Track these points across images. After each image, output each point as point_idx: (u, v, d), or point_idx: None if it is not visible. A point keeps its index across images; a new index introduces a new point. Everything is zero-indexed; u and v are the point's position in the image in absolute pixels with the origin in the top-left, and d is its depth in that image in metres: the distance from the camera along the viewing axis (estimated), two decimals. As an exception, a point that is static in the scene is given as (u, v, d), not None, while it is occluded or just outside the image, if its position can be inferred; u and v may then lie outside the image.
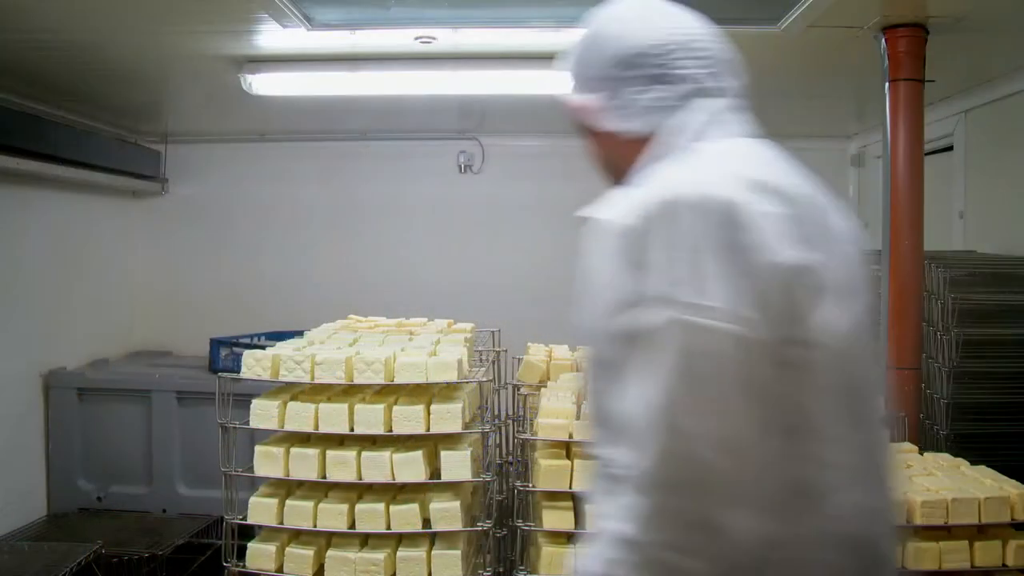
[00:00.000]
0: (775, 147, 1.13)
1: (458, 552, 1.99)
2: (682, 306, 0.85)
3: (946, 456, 2.24)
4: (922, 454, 2.28)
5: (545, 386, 2.36)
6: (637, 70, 1.11)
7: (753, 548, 0.86)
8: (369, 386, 2.13)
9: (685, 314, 0.85)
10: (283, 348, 2.15)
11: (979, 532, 1.94)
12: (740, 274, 0.85)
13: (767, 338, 0.85)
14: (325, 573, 2.00)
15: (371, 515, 1.99)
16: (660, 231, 0.89)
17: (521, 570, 1.95)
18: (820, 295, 0.89)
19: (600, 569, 0.90)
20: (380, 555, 1.97)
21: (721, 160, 1.01)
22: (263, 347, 2.35)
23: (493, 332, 2.83)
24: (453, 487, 2.06)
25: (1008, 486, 1.97)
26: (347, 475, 2.02)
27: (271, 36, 2.98)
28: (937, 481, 2.00)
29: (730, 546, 0.85)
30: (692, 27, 1.15)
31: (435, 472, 2.05)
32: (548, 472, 1.92)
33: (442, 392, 2.14)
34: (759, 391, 0.85)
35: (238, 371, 2.11)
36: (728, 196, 0.90)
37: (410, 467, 2.00)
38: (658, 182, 0.95)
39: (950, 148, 3.92)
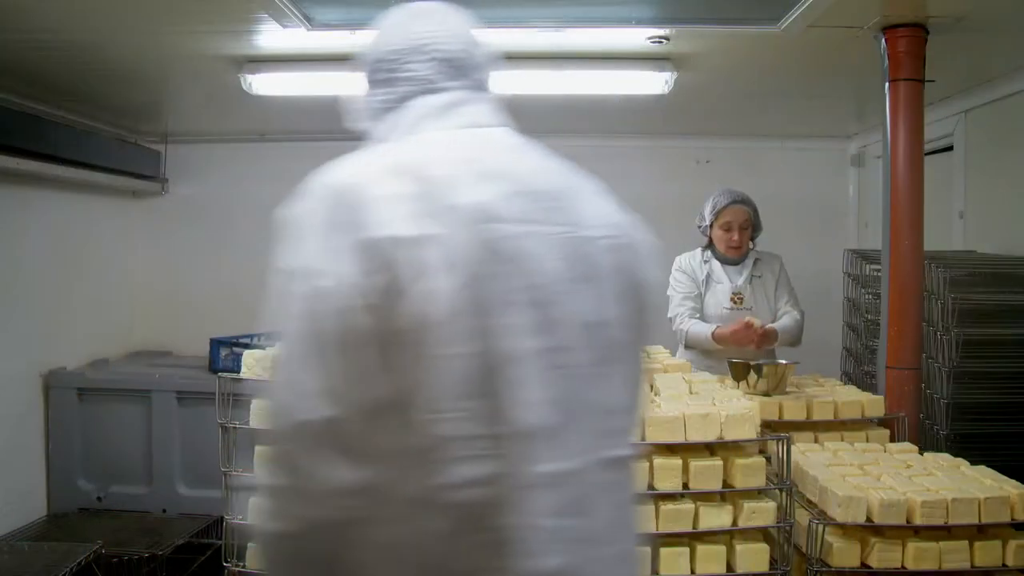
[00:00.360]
0: (503, 132, 1.23)
1: (458, 552, 1.99)
2: (296, 274, 0.99)
3: (946, 456, 2.24)
4: (922, 454, 2.28)
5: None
6: (375, 75, 1.23)
7: (348, 499, 0.95)
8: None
9: (297, 281, 0.99)
10: (283, 348, 2.15)
11: (979, 532, 1.94)
12: (348, 247, 0.95)
13: (369, 304, 0.93)
14: (325, 573, 2.00)
15: (371, 515, 1.99)
16: (297, 213, 1.04)
17: (521, 570, 1.95)
18: (434, 270, 0.94)
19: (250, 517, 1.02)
20: (380, 555, 1.97)
21: (391, 151, 1.10)
22: (263, 347, 2.35)
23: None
24: (453, 487, 2.06)
25: (1008, 486, 1.97)
26: (347, 475, 2.02)
27: (271, 36, 2.98)
28: (937, 481, 2.00)
29: (327, 495, 0.94)
30: (436, 30, 1.23)
31: (435, 472, 2.05)
32: (548, 472, 1.92)
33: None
34: (359, 352, 0.93)
35: (238, 371, 2.11)
36: (354, 181, 1.01)
37: (410, 467, 2.00)
38: (319, 174, 1.07)
39: (950, 148, 3.92)
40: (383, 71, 1.22)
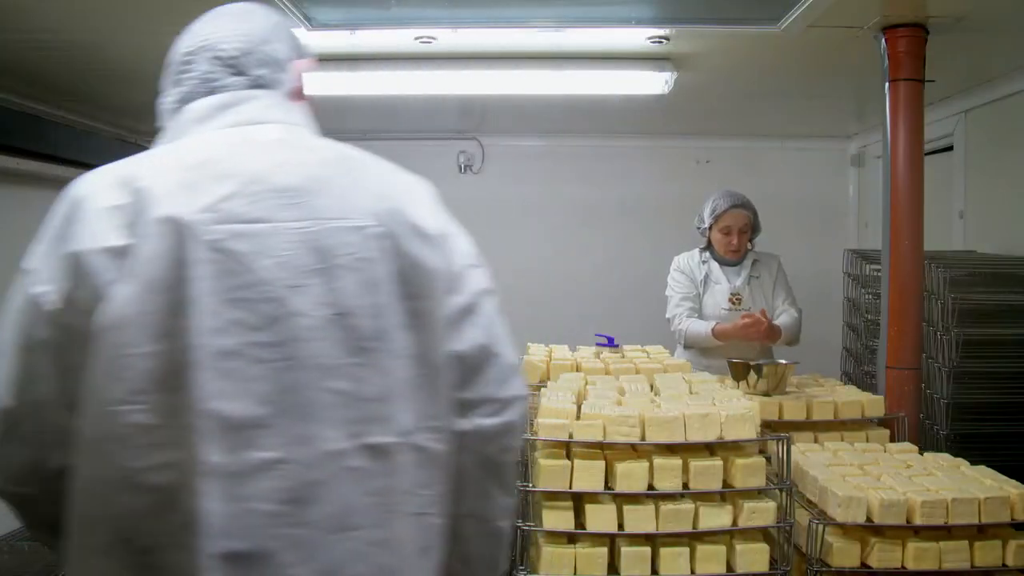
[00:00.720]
0: (268, 129, 1.27)
1: (458, 552, 1.99)
2: (22, 273, 1.09)
3: (946, 456, 2.24)
4: (922, 454, 2.28)
5: (545, 386, 2.36)
6: (168, 77, 1.30)
7: (41, 476, 1.11)
8: (369, 386, 2.13)
9: (22, 279, 1.09)
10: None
11: (979, 532, 1.94)
12: (56, 254, 1.06)
13: (57, 307, 1.05)
14: (325, 573, 2.00)
15: (371, 515, 1.99)
16: (48, 216, 1.13)
17: (521, 570, 1.95)
18: (129, 278, 1.04)
19: None
20: (380, 555, 1.97)
21: (134, 160, 1.15)
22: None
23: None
24: (453, 487, 2.06)
25: (1008, 486, 1.97)
26: (347, 475, 2.02)
27: (271, 36, 2.98)
28: (937, 481, 2.00)
29: (17, 473, 1.12)
30: (219, 31, 1.30)
31: (435, 472, 2.05)
32: (548, 472, 1.92)
33: (442, 392, 2.14)
34: (43, 347, 1.06)
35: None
36: (83, 193, 1.10)
37: (410, 467, 2.00)
38: (78, 179, 1.15)
39: (950, 148, 3.92)
40: (173, 73, 1.29)
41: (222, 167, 1.12)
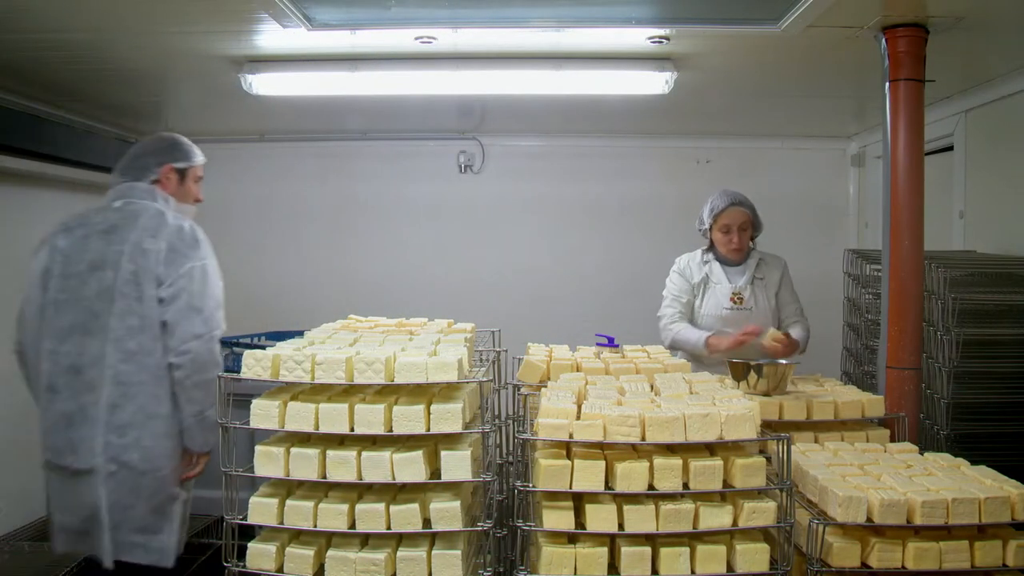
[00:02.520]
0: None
1: (458, 552, 1.99)
2: None
3: (946, 456, 2.24)
4: (922, 454, 2.28)
5: (545, 386, 2.36)
6: None
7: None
8: (369, 386, 2.13)
9: None
10: (283, 348, 2.15)
11: (979, 532, 1.94)
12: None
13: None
14: (325, 573, 1.99)
15: (371, 515, 1.99)
16: None
17: (521, 570, 1.95)
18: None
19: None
20: (380, 555, 1.97)
21: None
22: (263, 347, 2.35)
23: (493, 332, 2.83)
24: (453, 487, 2.06)
25: (1008, 486, 1.97)
26: (347, 475, 2.01)
27: (271, 36, 2.98)
28: (937, 481, 2.00)
29: None
30: None
31: (435, 472, 2.05)
32: (548, 472, 1.92)
33: (442, 392, 2.14)
34: None
35: (238, 371, 2.11)
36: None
37: (410, 467, 1.99)
38: None
39: (950, 148, 3.92)
40: None
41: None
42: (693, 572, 1.91)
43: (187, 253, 2.52)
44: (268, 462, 2.04)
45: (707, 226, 3.44)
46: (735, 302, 3.37)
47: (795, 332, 3.29)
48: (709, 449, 2.01)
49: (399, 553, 1.99)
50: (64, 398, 2.47)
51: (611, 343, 3.03)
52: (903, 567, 1.91)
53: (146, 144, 2.71)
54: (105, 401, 2.40)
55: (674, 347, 3.38)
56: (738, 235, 3.37)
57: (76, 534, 2.50)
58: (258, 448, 2.06)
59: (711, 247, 3.49)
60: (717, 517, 1.91)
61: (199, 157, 2.77)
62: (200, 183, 2.79)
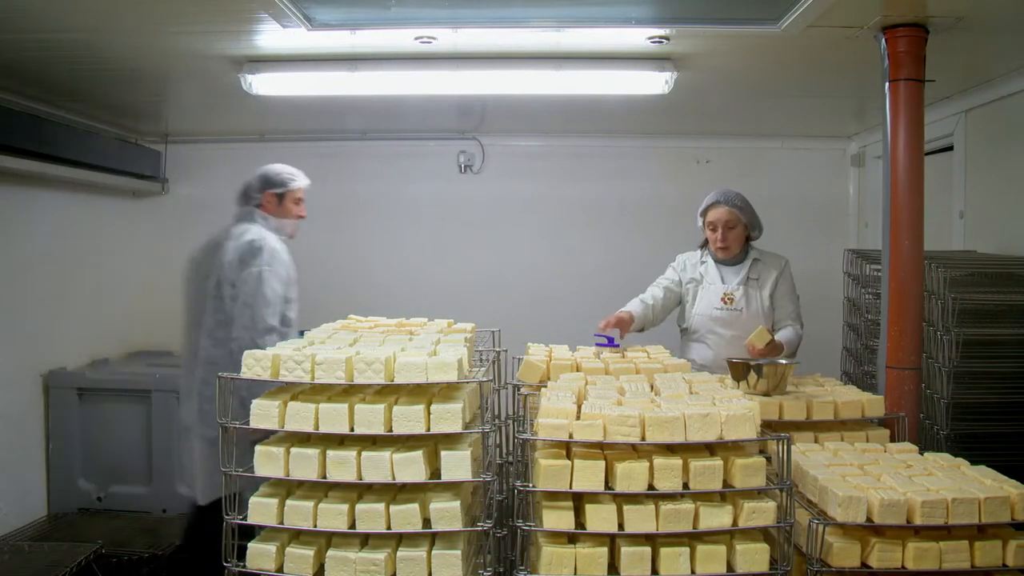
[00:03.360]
0: None
1: (458, 552, 1.99)
2: None
3: (946, 456, 2.24)
4: (922, 454, 2.28)
5: (545, 386, 2.36)
6: None
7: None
8: (369, 386, 2.13)
9: None
10: (283, 348, 2.15)
11: (979, 532, 1.94)
12: None
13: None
14: (325, 573, 1.99)
15: (371, 515, 1.99)
16: None
17: (521, 570, 1.95)
18: None
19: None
20: (380, 555, 1.97)
21: None
22: (263, 347, 2.35)
23: (493, 332, 2.83)
24: (453, 487, 2.06)
25: (1008, 486, 1.97)
26: (347, 475, 2.02)
27: (271, 36, 2.98)
28: (937, 481, 2.00)
29: None
30: None
31: (435, 472, 2.05)
32: (548, 472, 1.92)
33: (442, 392, 2.14)
34: None
35: (238, 371, 2.11)
36: None
37: (410, 467, 2.00)
38: None
39: (950, 148, 3.92)
40: None
41: None
42: (693, 572, 1.91)
43: (248, 261, 3.06)
44: (268, 462, 2.04)
45: (700, 224, 3.45)
46: (725, 303, 3.36)
47: (783, 334, 3.27)
48: (709, 449, 2.01)
49: (399, 553, 1.99)
50: (183, 375, 3.22)
51: (611, 343, 3.03)
52: (903, 567, 1.91)
53: (255, 174, 3.33)
54: (199, 377, 3.06)
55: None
56: (723, 233, 3.35)
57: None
58: (258, 448, 2.06)
59: (705, 244, 3.50)
60: (717, 517, 1.91)
61: (296, 182, 3.31)
62: (301, 203, 3.35)
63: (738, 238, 3.38)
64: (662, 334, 3.55)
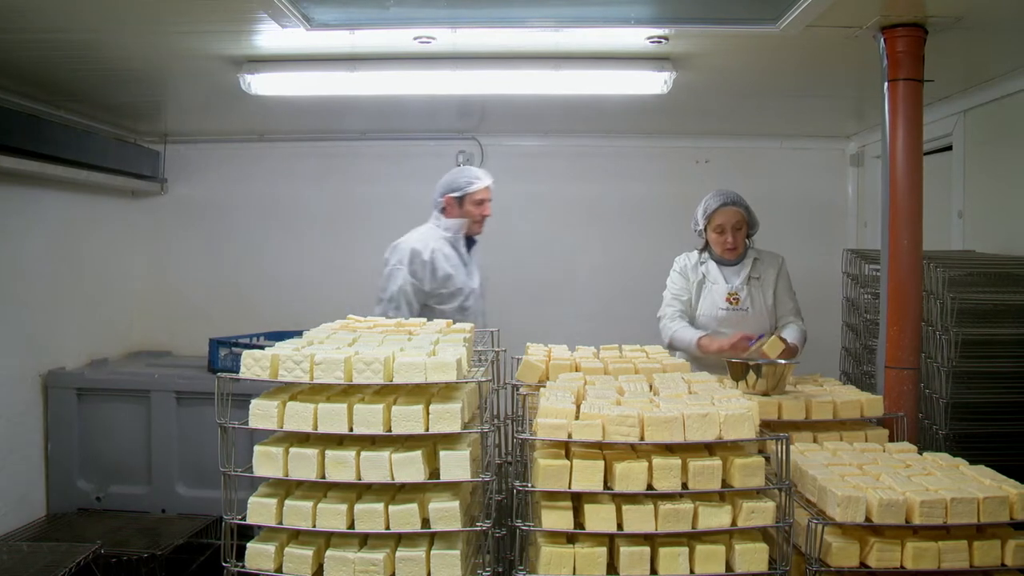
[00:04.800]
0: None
1: (457, 552, 1.99)
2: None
3: (945, 456, 2.24)
4: (921, 454, 2.28)
5: (544, 386, 2.36)
6: None
7: None
8: (368, 386, 2.13)
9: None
10: (282, 348, 2.15)
11: (978, 532, 1.94)
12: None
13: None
14: (324, 573, 1.99)
15: (370, 515, 1.99)
16: None
17: (520, 570, 1.95)
18: None
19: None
20: (379, 555, 1.97)
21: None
22: (262, 347, 2.35)
23: (492, 332, 2.83)
24: (452, 487, 2.06)
25: (1007, 486, 1.97)
26: (346, 475, 2.02)
27: (270, 36, 2.98)
28: (936, 481, 2.00)
29: None
30: None
31: (434, 472, 2.05)
32: (547, 472, 1.92)
33: (441, 392, 2.14)
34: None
35: (237, 371, 2.11)
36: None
37: (409, 467, 2.00)
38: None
39: (949, 148, 3.92)
40: None
41: None
42: (692, 572, 1.91)
43: (388, 260, 3.56)
44: (267, 462, 2.04)
45: (702, 227, 3.44)
46: (731, 302, 3.37)
47: (791, 334, 3.27)
48: (708, 449, 2.01)
49: (398, 553, 1.99)
50: None
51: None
52: (902, 567, 1.91)
53: (440, 180, 3.66)
54: None
55: (672, 347, 3.39)
56: (732, 235, 3.36)
57: None
58: (257, 448, 2.06)
59: (707, 247, 3.49)
60: (716, 517, 1.91)
61: (476, 184, 3.58)
62: (484, 203, 3.61)
63: (743, 238, 3.40)
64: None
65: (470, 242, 3.71)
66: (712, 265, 3.45)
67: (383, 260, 3.57)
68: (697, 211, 3.46)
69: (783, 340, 2.85)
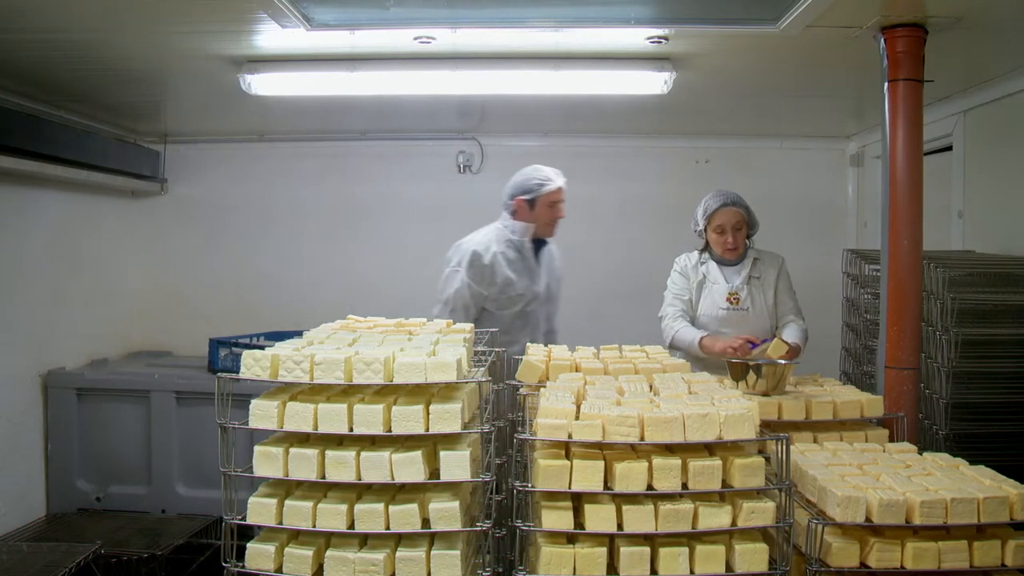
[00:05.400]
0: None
1: (457, 552, 1.98)
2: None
3: (945, 456, 2.24)
4: (921, 454, 2.28)
5: (544, 386, 2.36)
6: None
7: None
8: (368, 386, 2.13)
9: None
10: (282, 348, 2.15)
11: (978, 532, 1.94)
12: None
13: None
14: (324, 573, 1.99)
15: (370, 515, 1.99)
16: None
17: (520, 570, 1.95)
18: None
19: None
20: (379, 555, 1.97)
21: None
22: (262, 347, 2.35)
23: (492, 332, 2.83)
24: (452, 487, 2.05)
25: (1007, 486, 1.97)
26: (346, 475, 2.01)
27: (270, 36, 2.98)
28: (936, 481, 2.00)
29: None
30: None
31: (434, 472, 2.04)
32: (547, 472, 1.92)
33: (441, 392, 2.14)
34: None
35: (237, 371, 2.11)
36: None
37: (409, 467, 1.99)
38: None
39: (949, 148, 3.92)
40: None
41: None
42: (692, 572, 1.91)
43: (449, 260, 3.51)
44: (267, 462, 2.04)
45: (702, 227, 3.44)
46: (732, 302, 3.37)
47: (791, 333, 3.27)
48: (708, 449, 2.01)
49: (398, 553, 1.99)
50: None
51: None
52: (902, 567, 1.91)
53: (511, 180, 3.55)
54: None
55: (674, 347, 3.39)
56: (732, 235, 3.36)
57: None
58: (257, 448, 2.06)
59: (707, 247, 3.49)
60: (716, 517, 1.91)
61: (548, 186, 3.47)
62: (557, 205, 3.48)
63: (743, 238, 3.40)
64: (661, 334, 3.55)
65: (540, 243, 3.56)
66: (712, 265, 3.45)
67: (445, 259, 3.52)
68: (697, 211, 3.46)
69: (786, 343, 2.85)
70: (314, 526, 2.00)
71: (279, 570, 2.01)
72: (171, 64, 3.44)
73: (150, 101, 4.26)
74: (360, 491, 2.08)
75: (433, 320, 3.19)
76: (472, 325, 2.76)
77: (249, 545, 2.03)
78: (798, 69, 3.43)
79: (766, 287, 3.41)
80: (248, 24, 2.85)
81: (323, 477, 2.03)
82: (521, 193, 3.46)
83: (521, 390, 2.46)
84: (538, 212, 3.45)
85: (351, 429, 2.03)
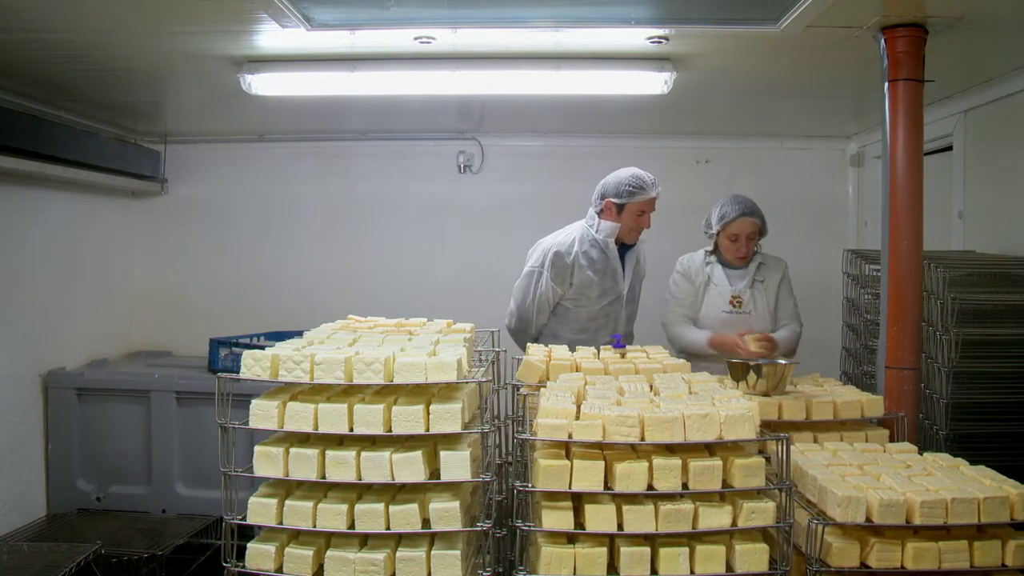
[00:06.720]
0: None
1: (457, 552, 1.99)
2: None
3: (945, 456, 2.24)
4: (921, 454, 2.28)
5: (544, 386, 2.36)
6: None
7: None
8: (368, 386, 2.13)
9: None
10: (282, 348, 2.15)
11: (978, 532, 1.94)
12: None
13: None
14: (324, 573, 1.99)
15: (370, 515, 1.99)
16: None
17: (520, 570, 1.95)
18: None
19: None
20: (379, 555, 1.97)
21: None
22: (262, 347, 2.35)
23: (493, 332, 2.83)
24: (452, 487, 2.06)
25: (1008, 486, 1.97)
26: (346, 475, 2.02)
27: (270, 36, 2.98)
28: (936, 481, 2.00)
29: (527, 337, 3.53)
30: None
31: (434, 472, 2.05)
32: (547, 472, 1.92)
33: (441, 392, 2.14)
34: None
35: (237, 371, 2.11)
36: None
37: (409, 467, 2.00)
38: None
39: (949, 148, 3.92)
40: None
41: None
42: (692, 572, 1.91)
43: (529, 257, 3.60)
44: (267, 462, 2.04)
45: (715, 231, 3.44)
46: (734, 305, 3.38)
47: (781, 333, 3.30)
48: (708, 449, 2.01)
49: (398, 553, 1.99)
50: None
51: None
52: (902, 567, 1.91)
53: (606, 178, 3.52)
54: None
55: (682, 350, 3.38)
56: (746, 245, 3.39)
57: None
58: (257, 448, 2.06)
59: (715, 250, 3.49)
60: (716, 517, 1.91)
61: (640, 196, 3.40)
62: (644, 215, 3.44)
63: (753, 247, 3.42)
64: (661, 334, 3.55)
65: (627, 244, 3.51)
66: (718, 267, 3.45)
67: (526, 255, 3.57)
68: (712, 214, 3.46)
69: (767, 337, 2.96)
70: (314, 526, 2.00)
71: (279, 570, 2.01)
72: (171, 64, 3.44)
73: (150, 101, 4.26)
74: (360, 491, 2.08)
75: (512, 317, 3.51)
76: (473, 325, 2.76)
77: (249, 545, 2.03)
78: (798, 69, 3.43)
79: (768, 291, 3.42)
80: (248, 24, 2.85)
81: (323, 477, 2.03)
82: (613, 195, 3.43)
83: (521, 390, 2.46)
84: (624, 217, 3.42)
85: (351, 429, 2.03)
